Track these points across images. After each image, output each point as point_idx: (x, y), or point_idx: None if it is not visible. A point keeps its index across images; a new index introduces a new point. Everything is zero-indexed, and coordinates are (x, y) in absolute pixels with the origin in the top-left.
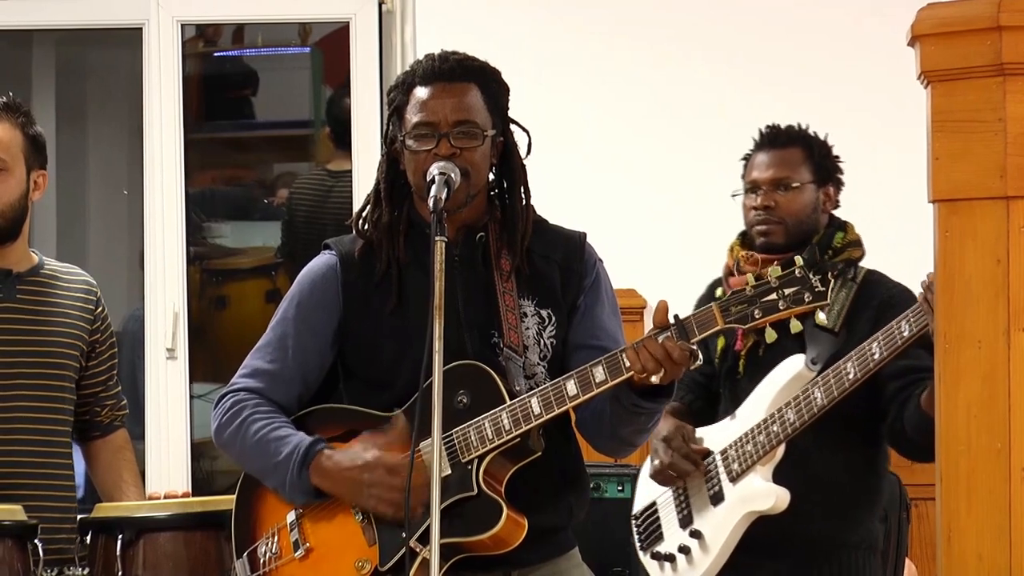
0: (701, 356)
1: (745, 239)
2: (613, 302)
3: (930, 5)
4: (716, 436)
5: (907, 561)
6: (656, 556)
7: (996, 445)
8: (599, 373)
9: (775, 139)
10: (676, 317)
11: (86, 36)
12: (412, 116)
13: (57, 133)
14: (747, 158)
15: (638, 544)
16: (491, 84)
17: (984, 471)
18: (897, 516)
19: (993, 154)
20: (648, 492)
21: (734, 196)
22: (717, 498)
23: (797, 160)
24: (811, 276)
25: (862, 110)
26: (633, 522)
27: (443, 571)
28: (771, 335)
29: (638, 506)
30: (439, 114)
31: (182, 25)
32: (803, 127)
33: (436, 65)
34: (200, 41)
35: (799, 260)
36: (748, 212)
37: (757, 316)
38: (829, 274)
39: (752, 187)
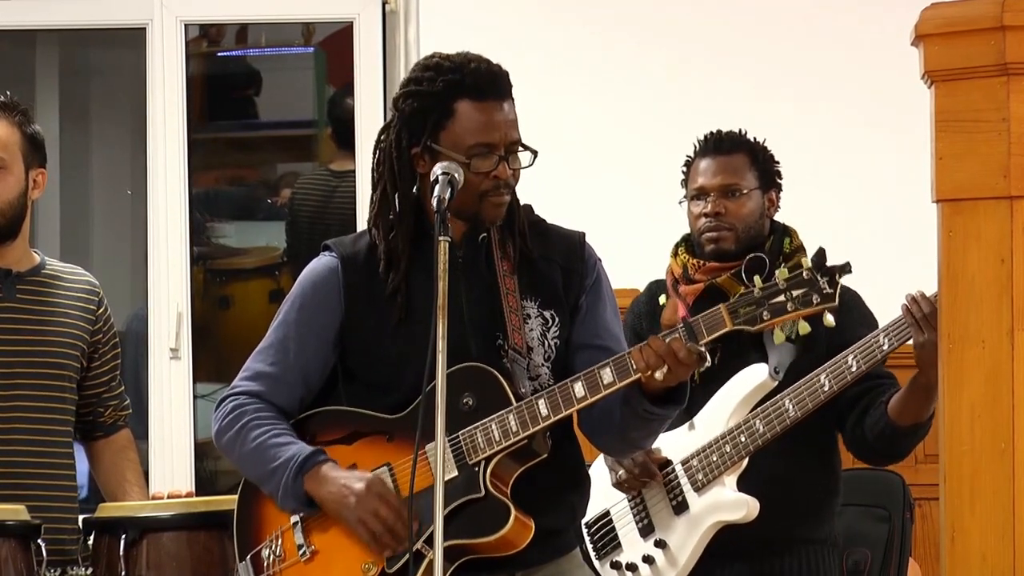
0: (710, 359)
1: (689, 245)
2: (614, 302)
3: (934, 5)
4: (674, 444)
5: (911, 561)
6: (616, 566)
7: (1000, 445)
8: (607, 375)
9: (719, 145)
10: (684, 319)
11: (90, 36)
12: (467, 135)
13: (61, 133)
14: (688, 164)
15: (592, 553)
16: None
17: (988, 471)
18: (901, 516)
19: (997, 154)
20: (600, 501)
21: (681, 203)
22: (681, 508)
23: (743, 166)
24: (819, 278)
25: (866, 110)
26: (584, 531)
27: (449, 572)
28: (779, 336)
29: (591, 514)
30: (497, 135)
31: (185, 25)
32: (743, 132)
33: (484, 79)
34: (203, 41)
35: (807, 263)
36: (697, 219)
37: (766, 318)
38: (837, 275)
39: (699, 194)
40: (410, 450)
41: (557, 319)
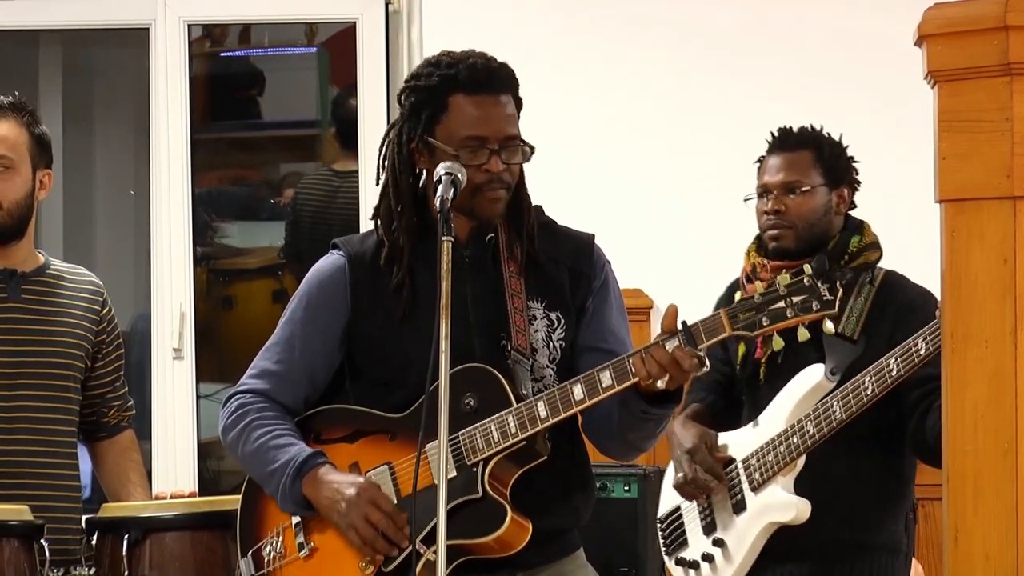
0: (708, 364)
1: (761, 243)
2: (621, 304)
3: (937, 5)
4: (739, 443)
5: (914, 561)
6: (681, 562)
7: (1003, 445)
8: (606, 378)
9: (785, 142)
10: (684, 323)
11: (93, 36)
12: (460, 127)
13: (64, 133)
14: (760, 161)
15: (664, 548)
16: (518, 92)
17: (991, 471)
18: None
19: (1000, 154)
20: (673, 497)
21: (747, 200)
22: (739, 507)
23: (807, 163)
24: (819, 285)
25: (869, 110)
26: (659, 526)
27: (447, 573)
28: (778, 343)
29: (663, 510)
30: (491, 128)
31: (189, 25)
32: (815, 128)
33: (480, 74)
34: (206, 41)
35: (807, 268)
36: (760, 216)
37: (765, 324)
38: (838, 283)
39: (763, 191)
40: (411, 449)
41: (563, 321)
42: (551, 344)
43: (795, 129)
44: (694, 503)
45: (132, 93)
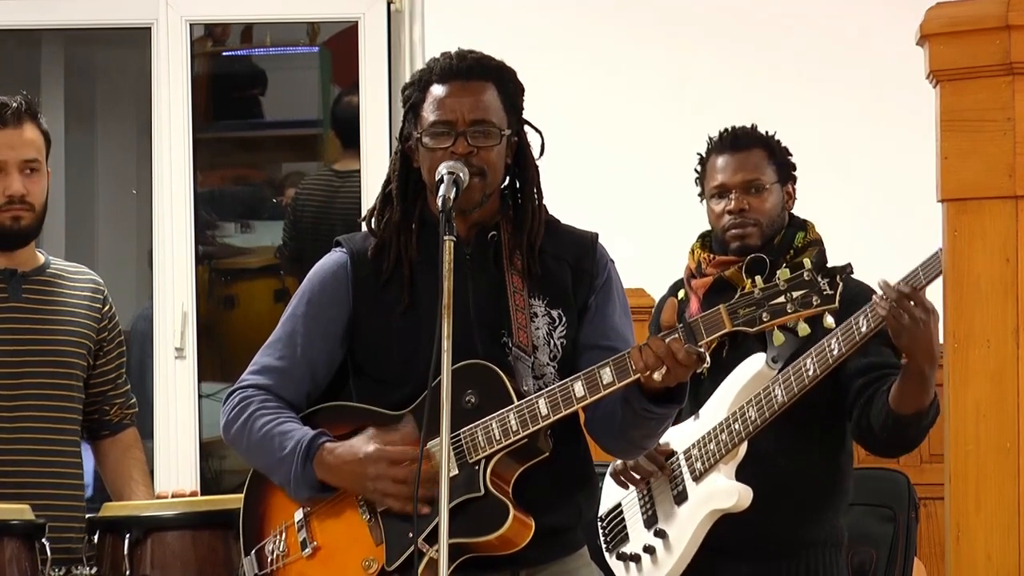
0: (709, 360)
1: (705, 241)
2: (624, 303)
3: (939, 4)
4: (680, 436)
5: (916, 560)
6: (621, 557)
7: (1005, 444)
8: (607, 375)
9: (736, 141)
10: (684, 319)
11: (95, 36)
12: (429, 114)
13: (66, 133)
14: (703, 162)
15: (604, 546)
16: (508, 84)
17: (993, 470)
18: (906, 515)
19: (1002, 153)
20: (613, 494)
21: (702, 202)
22: (681, 497)
23: (761, 161)
24: (819, 279)
25: (872, 109)
26: (599, 524)
27: (450, 571)
28: (779, 338)
29: (604, 508)
30: (456, 112)
31: (190, 25)
32: (756, 126)
33: (454, 63)
34: (208, 41)
35: (808, 263)
36: (719, 217)
37: (765, 319)
38: (838, 277)
39: (720, 191)
40: (413, 446)
41: (564, 319)
42: (552, 341)
43: (739, 129)
44: (635, 498)
45: (134, 92)
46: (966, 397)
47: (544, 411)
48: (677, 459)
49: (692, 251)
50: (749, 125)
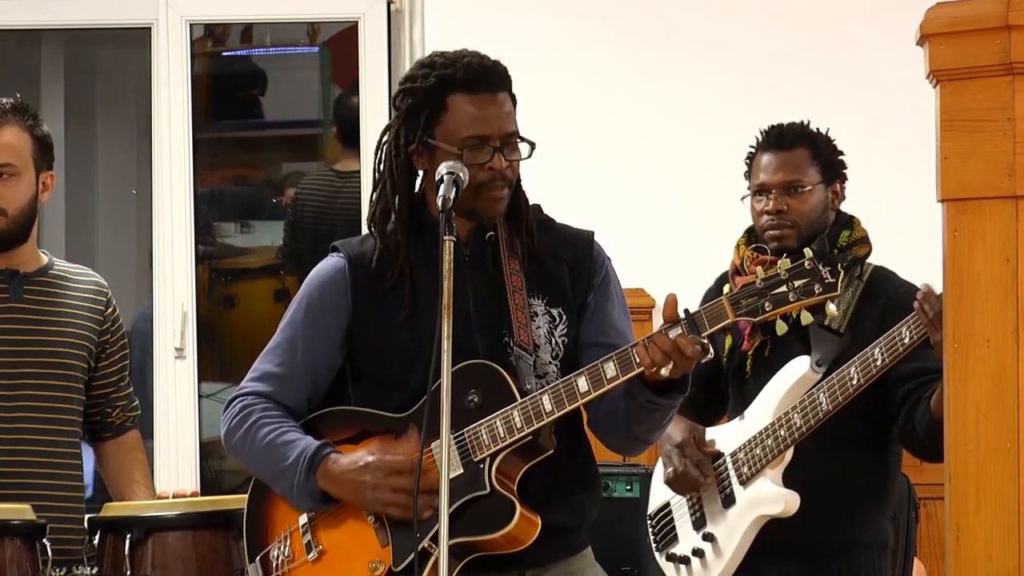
0: (712, 351)
1: (751, 236)
2: (622, 300)
3: (939, 4)
4: (727, 437)
5: (916, 561)
6: (671, 558)
7: (1005, 444)
8: (610, 369)
9: (780, 140)
10: (686, 311)
11: (95, 36)
12: (462, 128)
13: (66, 133)
14: (751, 158)
15: (654, 545)
16: (512, 89)
17: (993, 470)
18: (906, 516)
19: (1002, 153)
20: (662, 493)
21: (743, 199)
22: (728, 501)
23: (804, 161)
24: (821, 268)
25: (871, 110)
26: (648, 522)
27: (457, 570)
28: (782, 327)
29: (653, 506)
30: (492, 126)
31: (190, 25)
32: (805, 124)
33: (476, 73)
34: (208, 41)
35: (808, 252)
36: (759, 216)
37: (767, 309)
38: (839, 265)
39: (760, 190)
40: (417, 448)
41: (564, 317)
42: (553, 340)
43: (786, 126)
44: (684, 498)
45: (134, 92)
46: (966, 397)
47: (548, 407)
48: (724, 462)
49: (737, 246)
50: (799, 120)
